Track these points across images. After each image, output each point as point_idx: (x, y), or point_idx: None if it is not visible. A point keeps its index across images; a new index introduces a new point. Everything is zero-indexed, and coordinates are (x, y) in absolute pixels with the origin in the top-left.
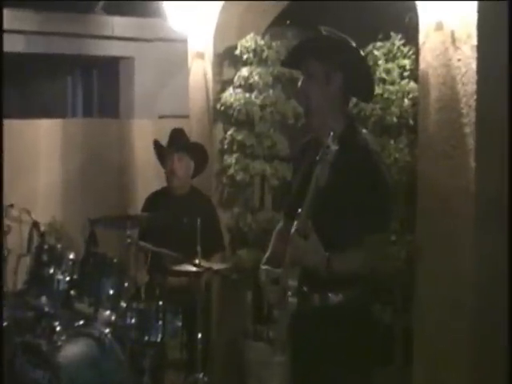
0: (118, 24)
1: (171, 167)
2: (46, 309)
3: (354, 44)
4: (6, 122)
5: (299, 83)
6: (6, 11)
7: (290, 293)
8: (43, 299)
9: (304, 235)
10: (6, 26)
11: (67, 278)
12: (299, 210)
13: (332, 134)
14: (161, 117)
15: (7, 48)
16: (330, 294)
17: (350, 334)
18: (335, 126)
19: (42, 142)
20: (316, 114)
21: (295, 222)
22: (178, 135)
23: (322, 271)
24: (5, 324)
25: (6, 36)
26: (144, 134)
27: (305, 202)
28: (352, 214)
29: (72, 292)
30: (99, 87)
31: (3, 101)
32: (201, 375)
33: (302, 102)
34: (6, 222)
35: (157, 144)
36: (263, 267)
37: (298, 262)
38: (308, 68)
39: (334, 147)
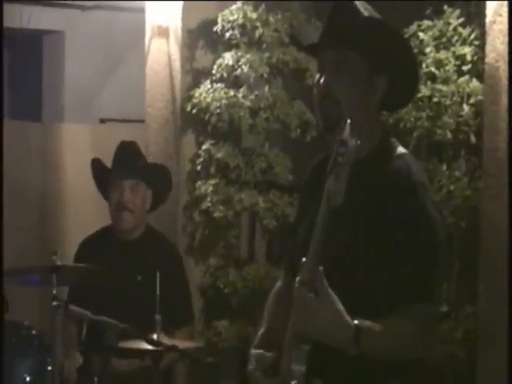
0: None
1: (120, 200)
2: None
3: (403, 34)
4: None
5: (321, 78)
6: None
7: (293, 383)
8: None
9: (312, 288)
10: None
11: None
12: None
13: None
14: (103, 121)
15: None
16: None
17: None
18: (365, 141)
19: None
20: (344, 125)
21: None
22: (129, 152)
23: (348, 347)
24: None
25: None
26: (78, 145)
27: (312, 237)
28: (382, 269)
29: None
30: (12, 74)
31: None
32: None
33: (324, 106)
34: None
35: (97, 165)
36: (255, 352)
37: (306, 332)
38: (341, 60)
39: (353, 142)
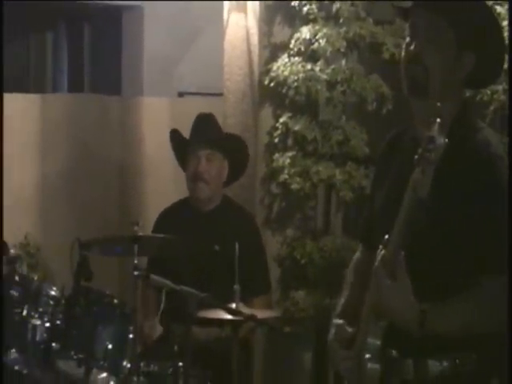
0: None
1: (196, 170)
2: (16, 367)
3: (497, 18)
4: None
5: (412, 42)
6: None
7: (369, 356)
8: (12, 354)
9: (392, 273)
10: None
11: (47, 324)
12: (386, 237)
13: (439, 120)
14: (181, 94)
15: None
16: (429, 361)
17: None
18: (445, 114)
19: (10, 129)
20: (429, 96)
21: (381, 252)
22: (206, 123)
23: (413, 330)
24: None
25: None
26: (157, 118)
27: (396, 222)
28: (465, 244)
29: (54, 344)
30: (93, 49)
31: None
32: None
33: (411, 71)
34: None
35: (175, 135)
36: (336, 322)
37: (381, 311)
38: (434, 27)
39: (441, 140)
